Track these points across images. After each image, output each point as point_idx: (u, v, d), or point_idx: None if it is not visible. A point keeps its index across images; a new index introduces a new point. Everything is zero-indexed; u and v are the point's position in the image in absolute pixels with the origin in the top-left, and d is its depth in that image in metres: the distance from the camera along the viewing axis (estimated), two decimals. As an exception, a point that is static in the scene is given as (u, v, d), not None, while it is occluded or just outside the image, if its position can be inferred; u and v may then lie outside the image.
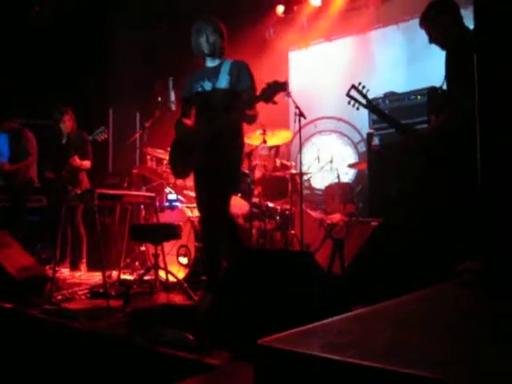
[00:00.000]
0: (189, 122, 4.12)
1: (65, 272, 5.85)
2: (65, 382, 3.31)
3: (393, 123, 4.15)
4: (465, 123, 3.49)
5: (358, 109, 4.07)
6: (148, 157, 6.24)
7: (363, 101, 4.01)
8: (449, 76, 3.76)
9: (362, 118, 6.00)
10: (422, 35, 3.97)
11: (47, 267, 5.74)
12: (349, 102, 4.05)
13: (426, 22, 3.81)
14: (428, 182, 3.97)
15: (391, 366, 1.00)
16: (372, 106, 4.09)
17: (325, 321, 1.35)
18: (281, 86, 3.56)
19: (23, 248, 5.14)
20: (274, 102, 3.60)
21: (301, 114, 5.19)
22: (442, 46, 3.78)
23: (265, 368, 1.13)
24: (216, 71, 4.01)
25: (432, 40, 3.81)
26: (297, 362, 1.07)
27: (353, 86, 4.03)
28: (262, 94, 3.59)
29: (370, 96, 4.10)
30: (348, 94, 4.03)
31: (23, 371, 3.58)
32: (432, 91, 5.00)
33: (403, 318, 1.46)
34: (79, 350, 3.34)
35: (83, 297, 4.54)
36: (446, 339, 1.28)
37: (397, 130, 4.22)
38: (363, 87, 4.01)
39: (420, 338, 1.26)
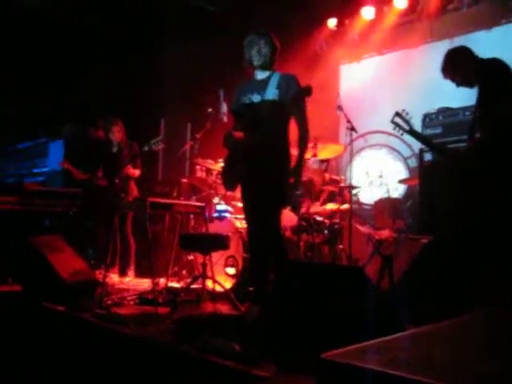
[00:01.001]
0: (240, 134, 4.14)
1: (113, 278, 5.95)
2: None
3: (434, 148, 4.27)
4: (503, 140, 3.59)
5: (402, 134, 4.19)
6: (198, 167, 6.31)
7: (406, 127, 4.11)
8: (481, 103, 3.94)
9: (413, 133, 5.92)
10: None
11: (97, 272, 5.87)
12: (394, 128, 4.17)
13: (449, 71, 4.05)
14: (479, 200, 3.92)
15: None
16: (414, 131, 4.19)
17: (385, 338, 1.34)
18: (305, 92, 3.59)
19: (75, 252, 5.26)
20: None
21: (352, 129, 5.17)
22: (470, 85, 3.99)
23: (327, 381, 1.13)
24: (264, 84, 4.02)
25: (459, 84, 4.04)
26: (360, 377, 1.06)
27: (397, 114, 4.14)
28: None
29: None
30: (392, 121, 4.17)
31: (72, 374, 3.65)
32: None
33: (465, 337, 1.44)
34: (128, 355, 3.39)
35: (131, 302, 4.61)
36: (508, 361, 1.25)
37: (438, 154, 4.30)
38: (406, 114, 4.17)
39: (481, 360, 1.23)
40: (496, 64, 3.83)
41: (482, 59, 3.95)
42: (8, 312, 4.65)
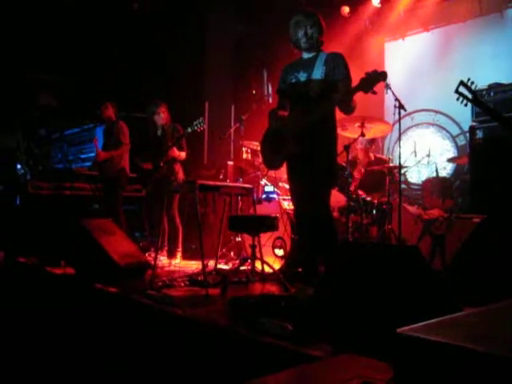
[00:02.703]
0: (284, 113, 4.10)
1: (163, 260, 6.03)
2: (166, 368, 3.41)
3: (499, 119, 4.05)
4: None
5: (466, 105, 4.00)
6: (244, 149, 6.32)
7: (470, 96, 3.93)
8: None
9: (461, 111, 5.77)
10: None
11: (146, 254, 5.96)
12: (457, 99, 3.98)
13: None
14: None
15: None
16: (479, 101, 3.99)
17: (454, 315, 1.32)
18: (381, 76, 3.47)
19: (126, 235, 5.35)
20: (374, 92, 3.52)
21: (400, 107, 5.07)
22: None
23: (405, 357, 1.11)
24: (311, 62, 3.98)
25: None
26: (440, 351, 1.05)
27: (461, 83, 3.95)
28: (361, 83, 3.51)
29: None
30: (457, 91, 3.95)
31: (127, 354, 3.72)
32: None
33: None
34: (182, 336, 3.44)
35: (182, 284, 4.65)
36: None
37: (503, 126, 4.10)
38: (472, 83, 3.92)
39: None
40: None
41: None
42: (62, 294, 4.79)
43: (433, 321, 1.23)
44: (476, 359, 1.00)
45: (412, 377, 1.09)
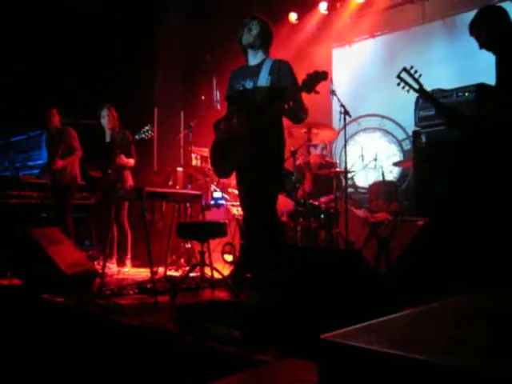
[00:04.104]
0: (228, 124, 4.13)
1: (112, 268, 5.97)
2: (115, 376, 3.39)
3: (444, 111, 4.12)
4: None
5: (408, 91, 4.05)
6: (193, 155, 6.31)
7: (415, 85, 3.99)
8: (500, 78, 3.75)
9: (407, 116, 5.93)
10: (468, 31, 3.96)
11: (95, 263, 5.89)
12: (398, 84, 4.03)
13: (476, 28, 3.84)
14: (477, 181, 3.92)
15: (452, 362, 1.01)
16: (423, 90, 4.04)
17: (383, 318, 1.36)
18: (321, 76, 3.52)
19: (74, 244, 5.26)
20: (316, 92, 3.56)
21: (346, 113, 5.17)
22: (495, 52, 3.77)
23: (327, 361, 1.15)
24: (257, 70, 4.00)
25: (482, 46, 3.84)
26: (359, 357, 1.08)
27: (404, 69, 4.01)
28: (303, 84, 3.56)
29: (415, 94, 4.11)
30: (399, 76, 4.01)
31: (73, 364, 3.68)
32: (480, 88, 4.91)
33: (462, 317, 1.46)
34: (129, 344, 3.42)
35: (131, 292, 4.62)
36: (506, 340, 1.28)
37: (443, 115, 4.18)
38: (415, 71, 4.00)
39: (479, 339, 1.26)
40: None
41: None
42: (8, 305, 4.68)
43: (358, 326, 1.27)
44: (395, 364, 1.04)
45: (334, 381, 1.13)
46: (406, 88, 4.02)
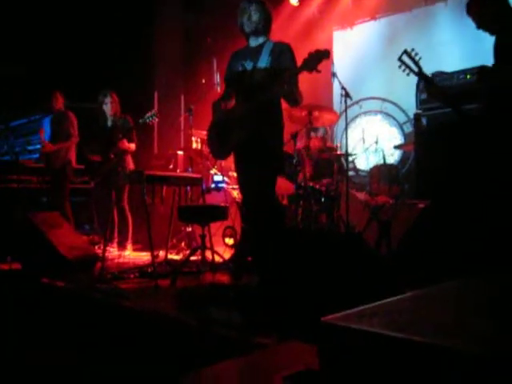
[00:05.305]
0: (228, 103, 4.10)
1: (113, 252, 5.97)
2: (116, 360, 3.40)
3: (444, 98, 4.12)
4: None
5: (408, 75, 4.04)
6: (193, 138, 6.29)
7: (415, 68, 3.98)
8: (497, 60, 3.77)
9: (408, 99, 5.89)
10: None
11: (96, 247, 5.89)
12: (400, 66, 4.02)
13: (474, 7, 3.84)
14: (478, 164, 3.90)
15: (452, 344, 1.01)
16: (423, 73, 4.03)
17: (384, 301, 1.35)
18: (323, 54, 3.47)
19: (74, 228, 5.26)
20: (318, 71, 3.50)
21: (346, 95, 5.14)
22: (491, 32, 3.79)
23: (328, 344, 1.15)
24: (257, 51, 3.96)
25: (480, 26, 3.84)
26: (360, 339, 1.08)
27: (405, 51, 4.00)
28: (304, 63, 3.50)
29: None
30: (400, 59, 4.00)
31: (74, 348, 3.68)
32: (482, 70, 4.87)
33: (463, 299, 1.46)
34: (130, 328, 3.42)
35: (131, 276, 4.63)
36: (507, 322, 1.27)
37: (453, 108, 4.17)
38: (416, 54, 3.98)
39: (480, 321, 1.25)
40: None
41: None
42: (8, 289, 4.69)
43: (358, 308, 1.27)
44: (396, 346, 1.03)
45: (335, 364, 1.12)
46: (407, 71, 4.01)
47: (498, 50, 3.76)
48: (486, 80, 3.93)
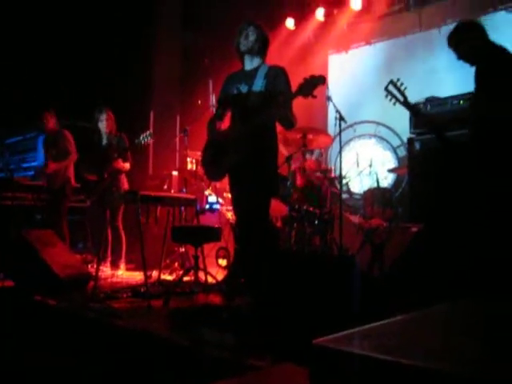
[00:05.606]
0: (222, 124, 4.14)
1: (106, 271, 5.96)
2: (107, 379, 3.38)
3: (431, 125, 4.22)
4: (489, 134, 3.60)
5: (394, 104, 4.13)
6: (188, 159, 6.31)
7: (400, 97, 4.07)
8: (477, 90, 3.93)
9: (402, 123, 5.95)
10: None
11: (89, 266, 5.87)
12: (386, 96, 4.11)
13: (454, 41, 4.01)
14: (470, 189, 3.95)
15: (440, 366, 1.02)
16: (408, 103, 4.13)
17: (375, 324, 1.37)
18: (318, 80, 3.52)
19: (68, 247, 5.25)
20: (314, 96, 3.54)
21: (341, 118, 5.19)
22: (470, 62, 3.97)
23: (319, 366, 1.16)
24: (252, 75, 3.99)
25: (459, 57, 4.02)
26: (350, 362, 1.09)
27: (391, 82, 4.09)
28: (299, 89, 3.55)
29: (411, 100, 4.18)
30: (386, 89, 4.10)
31: (66, 367, 3.66)
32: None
33: (452, 324, 1.47)
34: (122, 348, 3.41)
35: (124, 295, 4.61)
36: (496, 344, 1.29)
37: (438, 135, 4.24)
38: (401, 84, 4.08)
39: (468, 345, 1.26)
40: (504, 51, 3.80)
41: (492, 42, 3.92)
42: (0, 307, 4.66)
43: (348, 331, 1.28)
44: (386, 369, 1.04)
45: (325, 386, 1.14)
46: (393, 100, 4.10)
47: (477, 79, 3.92)
48: (471, 108, 4.05)
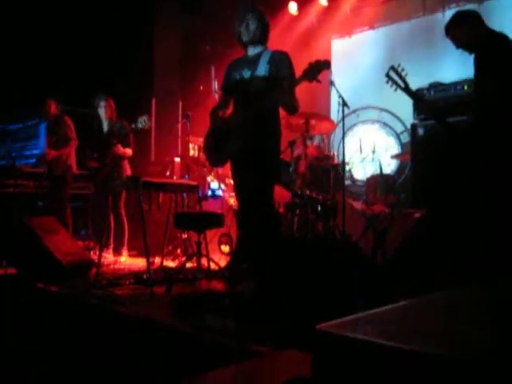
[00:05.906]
0: (225, 111, 4.12)
1: (108, 258, 5.96)
2: (110, 365, 3.38)
3: (433, 111, 4.19)
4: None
5: (395, 90, 4.10)
6: (191, 145, 6.29)
7: (401, 83, 4.04)
8: (477, 78, 3.92)
9: (405, 108, 5.91)
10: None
11: (91, 253, 5.88)
12: (386, 82, 4.08)
13: (452, 30, 3.98)
14: (471, 174, 3.93)
15: (443, 352, 1.01)
16: (409, 89, 4.09)
17: (378, 309, 1.36)
18: (323, 65, 3.50)
19: (70, 234, 5.25)
20: (318, 81, 3.54)
21: (344, 104, 5.16)
22: (469, 51, 3.94)
23: (322, 352, 1.15)
24: (255, 60, 3.97)
25: (458, 46, 3.99)
26: (353, 347, 1.08)
27: (392, 67, 4.06)
28: (304, 74, 3.54)
29: (414, 85, 4.14)
30: (387, 75, 4.06)
31: (67, 353, 3.67)
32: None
33: (455, 309, 1.46)
34: (125, 334, 3.41)
35: (127, 282, 4.62)
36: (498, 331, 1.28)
37: (439, 121, 4.22)
38: (402, 69, 4.05)
39: (471, 329, 1.25)
40: (503, 38, 3.78)
41: (490, 29, 3.90)
42: (3, 294, 4.67)
43: (352, 316, 1.27)
44: (388, 354, 1.04)
45: (327, 372, 1.13)
46: (394, 87, 4.07)
47: (476, 66, 3.90)
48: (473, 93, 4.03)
